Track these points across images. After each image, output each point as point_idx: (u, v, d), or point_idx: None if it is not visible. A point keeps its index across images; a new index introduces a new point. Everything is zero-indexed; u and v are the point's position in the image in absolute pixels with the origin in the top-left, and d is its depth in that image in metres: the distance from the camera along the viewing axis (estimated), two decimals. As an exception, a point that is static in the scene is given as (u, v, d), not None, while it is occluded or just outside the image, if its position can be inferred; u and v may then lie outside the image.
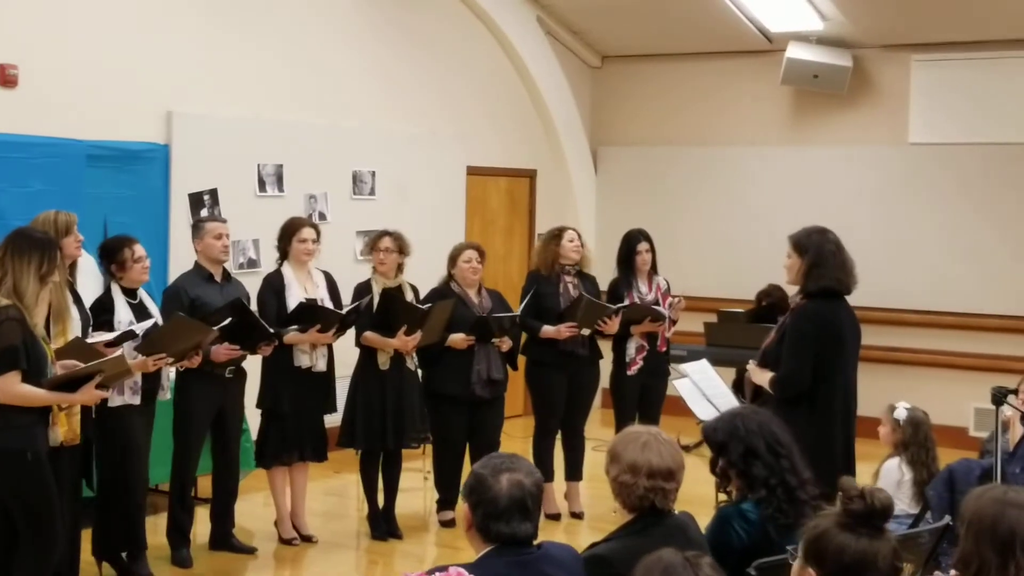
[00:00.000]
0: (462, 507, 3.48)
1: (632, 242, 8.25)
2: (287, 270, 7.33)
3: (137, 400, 6.42)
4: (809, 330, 5.74)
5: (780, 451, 4.15)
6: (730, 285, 11.14)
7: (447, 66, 10.81)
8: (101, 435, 6.38)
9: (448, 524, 7.78)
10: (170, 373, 6.73)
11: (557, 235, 8.05)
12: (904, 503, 5.89)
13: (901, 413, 6.09)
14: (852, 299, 5.97)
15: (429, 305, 7.47)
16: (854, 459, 5.88)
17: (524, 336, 8.03)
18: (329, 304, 7.32)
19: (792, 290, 6.12)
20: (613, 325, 7.89)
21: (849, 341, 5.88)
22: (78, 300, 6.21)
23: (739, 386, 6.88)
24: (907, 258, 10.82)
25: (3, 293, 5.22)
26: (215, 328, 6.57)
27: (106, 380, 5.54)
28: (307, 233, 7.35)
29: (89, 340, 5.97)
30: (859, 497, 2.97)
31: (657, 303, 8.17)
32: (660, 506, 3.74)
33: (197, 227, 7.18)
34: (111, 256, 6.55)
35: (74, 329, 5.95)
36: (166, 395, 6.73)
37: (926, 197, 10.85)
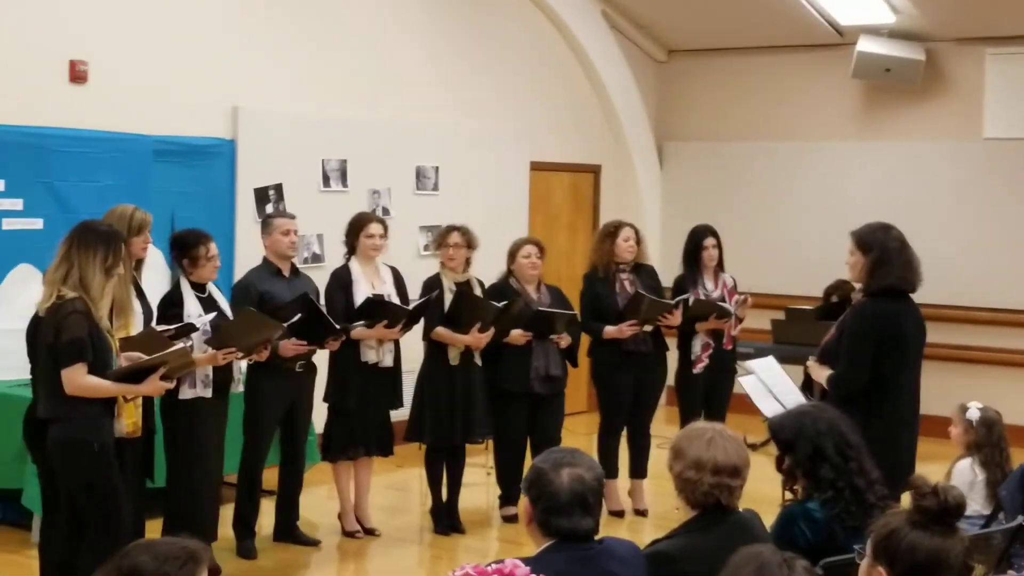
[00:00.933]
0: (524, 501, 3.43)
1: (699, 237, 8.16)
2: (355, 265, 7.33)
3: (208, 393, 6.44)
4: (868, 329, 5.65)
5: (848, 453, 4.07)
6: (798, 282, 11.01)
7: (511, 61, 10.78)
8: (171, 427, 6.44)
9: (511, 519, 7.76)
10: (241, 366, 6.74)
11: (612, 233, 7.97)
12: (977, 504, 5.77)
13: (974, 414, 5.96)
14: (925, 296, 5.86)
15: (505, 302, 7.44)
16: (914, 460, 5.78)
17: (588, 338, 7.99)
18: (396, 300, 7.32)
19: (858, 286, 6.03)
20: (675, 317, 7.82)
21: (912, 341, 5.77)
22: (141, 294, 6.25)
23: (808, 385, 6.80)
24: (980, 255, 10.63)
25: (69, 286, 5.26)
26: (284, 324, 6.57)
27: (170, 372, 5.57)
28: (375, 228, 7.35)
29: None
30: (932, 494, 2.89)
31: (723, 300, 8.09)
32: (725, 503, 3.68)
33: (266, 223, 7.20)
34: (184, 250, 6.56)
35: (136, 323, 5.99)
36: (239, 387, 6.74)
37: (1000, 193, 10.65)
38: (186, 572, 2.78)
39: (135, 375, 5.44)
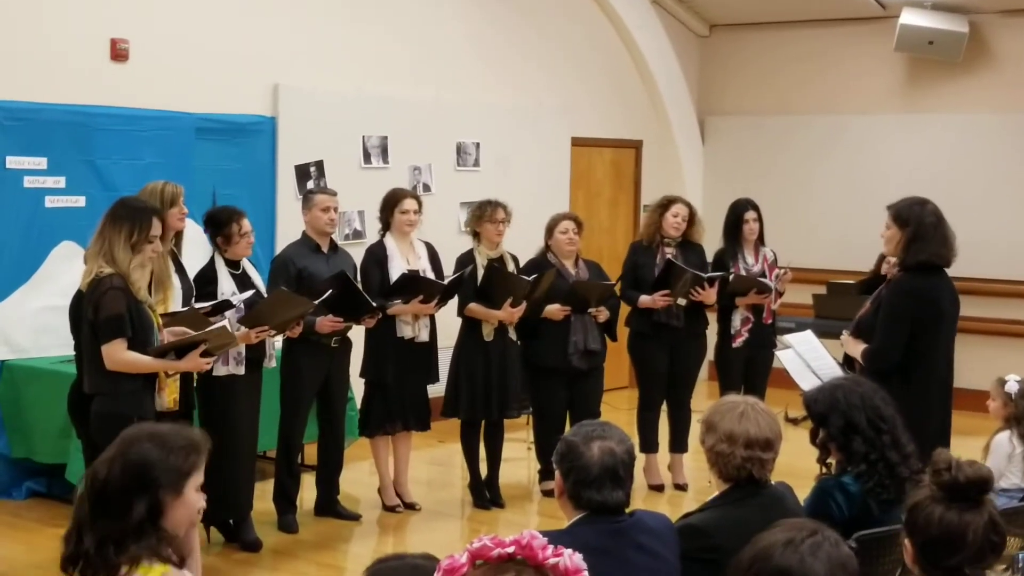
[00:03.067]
0: (558, 476, 3.42)
1: (739, 211, 8.13)
2: (389, 241, 7.35)
3: (241, 370, 6.49)
4: (905, 305, 5.63)
5: (882, 426, 4.06)
6: (839, 256, 10.96)
7: (552, 36, 10.75)
8: (205, 404, 6.50)
9: (550, 494, 7.73)
10: (275, 342, 6.79)
11: (664, 207, 7.95)
12: (1016, 477, 5.75)
13: (1012, 386, 5.93)
14: (966, 270, 5.85)
15: (535, 276, 7.45)
16: (949, 434, 5.76)
17: (626, 308, 7.99)
18: (431, 275, 7.34)
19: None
20: (710, 295, 7.78)
21: (947, 316, 5.76)
22: (181, 270, 6.29)
23: (849, 359, 6.76)
24: (1022, 227, 10.52)
25: (104, 261, 5.31)
26: (316, 302, 6.61)
27: (211, 349, 5.61)
28: (409, 204, 7.36)
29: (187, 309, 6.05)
30: (946, 470, 2.90)
31: (763, 274, 8.06)
32: (757, 476, 3.68)
33: (306, 198, 7.22)
34: (217, 228, 6.60)
35: (175, 298, 6.04)
36: (272, 363, 6.79)
37: (1045, 166, 10.54)
38: (191, 462, 2.86)
39: (176, 351, 5.48)
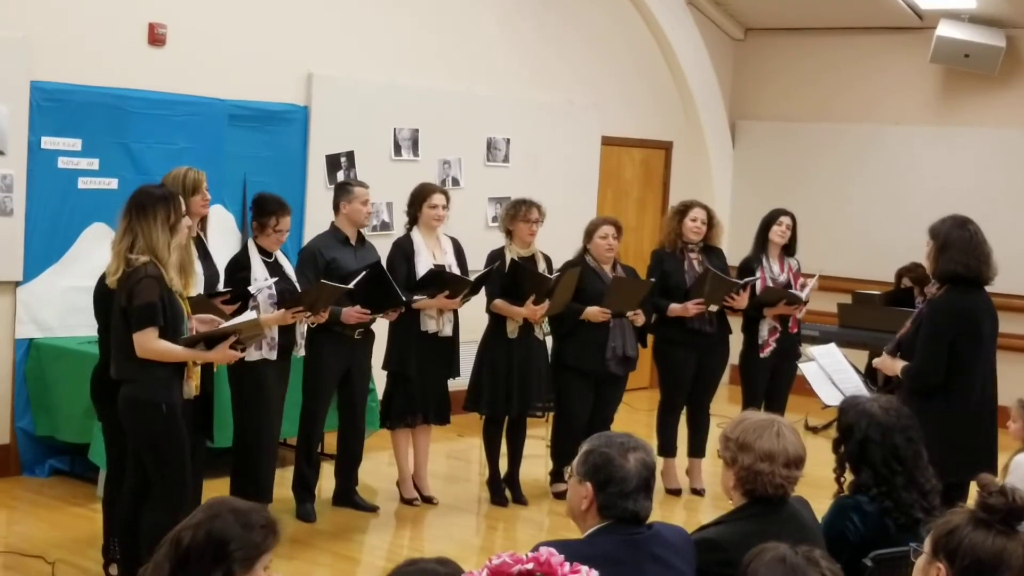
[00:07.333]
0: (581, 487, 3.38)
1: (775, 214, 8.07)
2: (416, 235, 7.37)
3: (273, 356, 6.56)
4: (945, 324, 5.65)
5: (895, 467, 4.00)
6: (866, 266, 10.93)
7: (585, 34, 10.75)
8: (238, 389, 6.57)
9: (562, 496, 7.77)
10: (303, 330, 6.81)
11: (682, 212, 7.93)
12: (1034, 499, 5.72)
13: (1032, 408, 5.92)
14: (1002, 287, 5.84)
15: (557, 274, 7.46)
16: (996, 453, 5.77)
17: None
18: (456, 270, 7.37)
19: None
20: (742, 300, 7.78)
21: (987, 332, 5.77)
22: (207, 256, 6.33)
23: (872, 372, 6.74)
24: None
25: (139, 250, 5.31)
26: (351, 285, 6.65)
27: (242, 340, 5.63)
28: (437, 199, 7.38)
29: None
30: (999, 493, 2.87)
31: (789, 284, 8.04)
32: (789, 494, 3.68)
33: (346, 191, 7.21)
34: (258, 213, 6.66)
35: (197, 284, 6.06)
36: (301, 352, 6.82)
37: (1077, 183, 10.48)
38: (267, 543, 2.90)
39: (205, 341, 5.50)
